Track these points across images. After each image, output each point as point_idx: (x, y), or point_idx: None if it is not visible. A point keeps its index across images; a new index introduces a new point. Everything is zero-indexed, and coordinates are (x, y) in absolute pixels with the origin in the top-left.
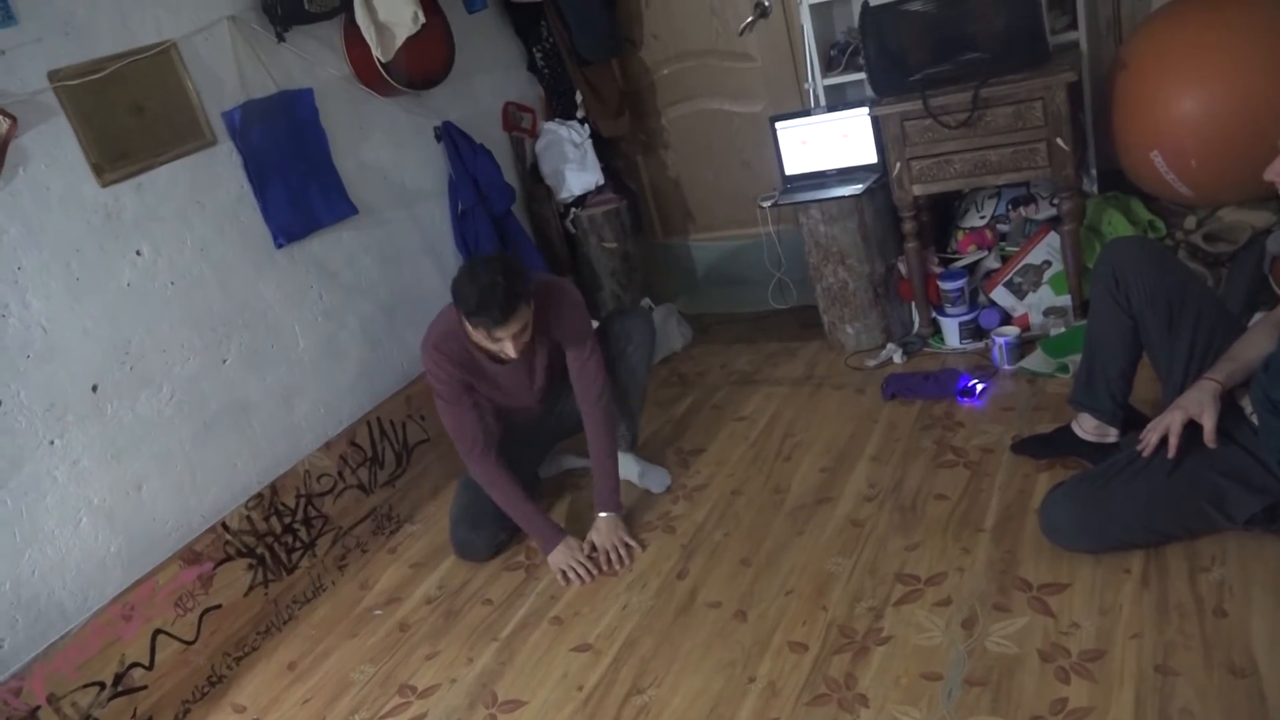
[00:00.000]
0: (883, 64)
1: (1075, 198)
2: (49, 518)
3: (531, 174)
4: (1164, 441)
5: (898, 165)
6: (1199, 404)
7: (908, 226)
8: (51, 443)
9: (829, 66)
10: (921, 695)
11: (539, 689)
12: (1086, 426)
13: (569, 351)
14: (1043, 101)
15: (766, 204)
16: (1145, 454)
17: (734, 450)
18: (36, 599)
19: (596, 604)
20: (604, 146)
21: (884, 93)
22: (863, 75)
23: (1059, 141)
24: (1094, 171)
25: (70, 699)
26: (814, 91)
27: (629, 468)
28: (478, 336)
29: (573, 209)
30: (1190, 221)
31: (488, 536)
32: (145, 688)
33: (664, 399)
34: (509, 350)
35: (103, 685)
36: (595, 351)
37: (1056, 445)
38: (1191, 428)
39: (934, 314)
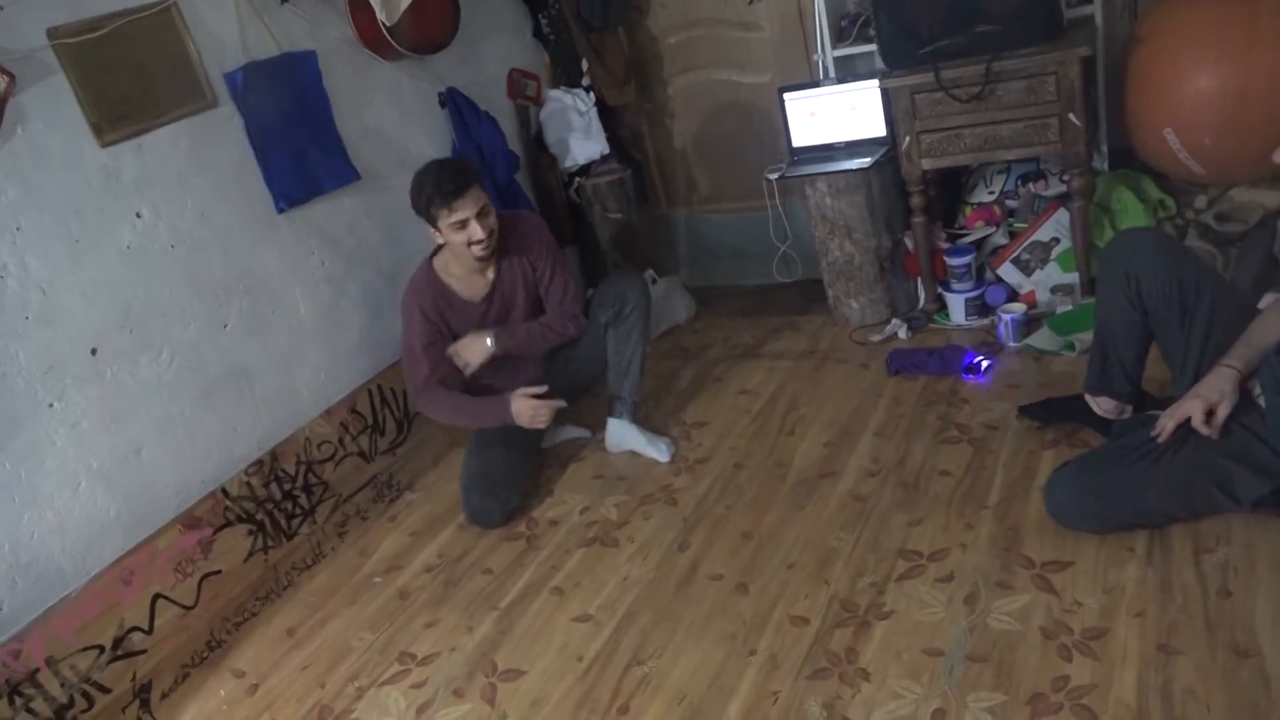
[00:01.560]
0: (894, 35)
1: (1085, 174)
2: (48, 481)
3: (536, 142)
4: (1178, 428)
5: (907, 139)
6: (1219, 391)
7: (915, 201)
8: (51, 405)
9: (839, 37)
10: (923, 671)
11: (539, 659)
12: (1104, 407)
13: (538, 270)
14: (1056, 76)
15: (773, 176)
16: (1161, 440)
17: (737, 423)
18: (35, 562)
19: (597, 575)
20: (609, 115)
21: (895, 65)
22: (873, 47)
23: (1071, 117)
24: (1105, 148)
25: (69, 661)
26: (823, 63)
27: (633, 437)
28: (448, 231)
29: (577, 178)
30: (1201, 201)
31: (501, 501)
32: (144, 651)
33: (666, 371)
34: (477, 232)
35: (102, 648)
36: (564, 271)
37: (1068, 411)
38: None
39: (940, 289)
